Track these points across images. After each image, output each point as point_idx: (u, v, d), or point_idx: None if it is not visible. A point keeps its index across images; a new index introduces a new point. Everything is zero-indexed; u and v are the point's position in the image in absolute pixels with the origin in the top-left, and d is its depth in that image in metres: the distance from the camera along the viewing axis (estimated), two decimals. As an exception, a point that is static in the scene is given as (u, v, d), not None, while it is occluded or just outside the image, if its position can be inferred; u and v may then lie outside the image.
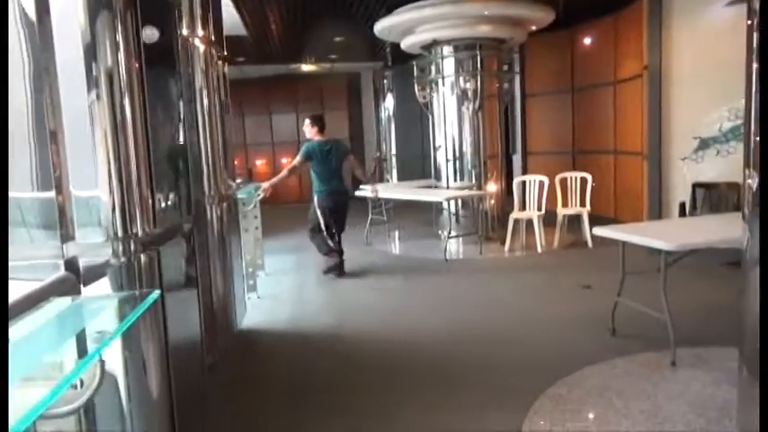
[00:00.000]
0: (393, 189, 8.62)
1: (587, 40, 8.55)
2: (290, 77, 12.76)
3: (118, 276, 1.91)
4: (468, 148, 7.46)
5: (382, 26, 7.32)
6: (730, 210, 5.20)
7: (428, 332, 4.15)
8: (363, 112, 13.76)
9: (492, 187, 7.52)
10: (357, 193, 8.10)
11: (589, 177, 6.91)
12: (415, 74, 7.97)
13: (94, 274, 1.88)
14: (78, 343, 1.21)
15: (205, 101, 3.56)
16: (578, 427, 2.68)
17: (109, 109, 1.87)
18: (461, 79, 7.36)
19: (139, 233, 1.94)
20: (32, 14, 1.75)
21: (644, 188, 6.89)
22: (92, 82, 1.84)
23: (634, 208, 7.26)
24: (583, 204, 6.90)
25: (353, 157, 6.11)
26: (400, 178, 12.42)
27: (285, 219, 8.99)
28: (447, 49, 7.35)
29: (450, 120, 7.50)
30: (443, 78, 7.45)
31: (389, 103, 12.97)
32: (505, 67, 7.76)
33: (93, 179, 1.87)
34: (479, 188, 7.39)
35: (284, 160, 12.00)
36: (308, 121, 5.75)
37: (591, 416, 2.81)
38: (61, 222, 1.82)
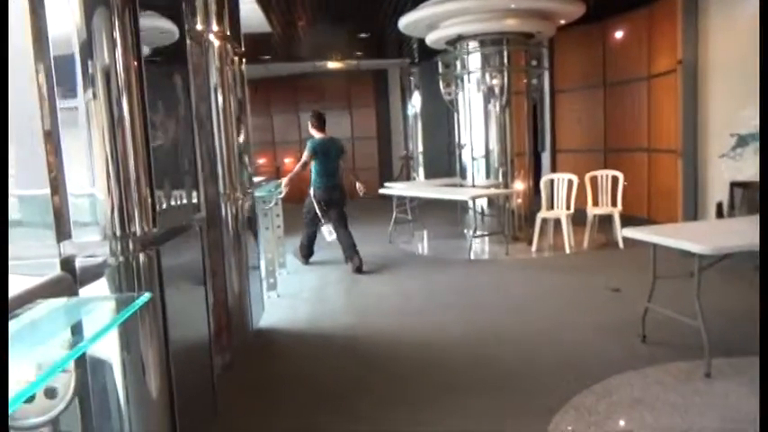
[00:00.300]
0: (418, 187, 8.49)
1: (619, 34, 8.26)
2: (317, 75, 12.74)
3: (115, 276, 1.85)
4: (494, 146, 7.28)
5: (407, 21, 7.19)
6: (771, 210, 4.91)
7: (450, 335, 4.03)
8: (390, 110, 13.64)
9: (519, 186, 7.32)
10: (381, 191, 8.02)
11: (621, 176, 6.66)
12: (440, 70, 7.81)
13: (91, 274, 1.82)
14: (50, 350, 1.14)
15: (220, 98, 3.50)
16: (603, 440, 2.53)
17: (106, 107, 1.81)
18: (487, 75, 7.19)
19: (138, 232, 1.88)
20: (27, 10, 1.70)
21: (679, 187, 6.60)
22: (87, 80, 1.78)
23: (668, 208, 6.98)
24: (614, 204, 6.66)
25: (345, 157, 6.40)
26: (427, 176, 12.27)
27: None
28: (473, 44, 7.18)
29: (475, 117, 7.32)
30: (469, 74, 7.28)
31: (416, 100, 12.83)
32: (534, 63, 7.53)
33: (90, 178, 1.82)
34: (506, 186, 7.21)
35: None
36: (311, 119, 6.05)
37: (618, 429, 2.65)
38: (57, 221, 1.77)
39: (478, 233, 6.97)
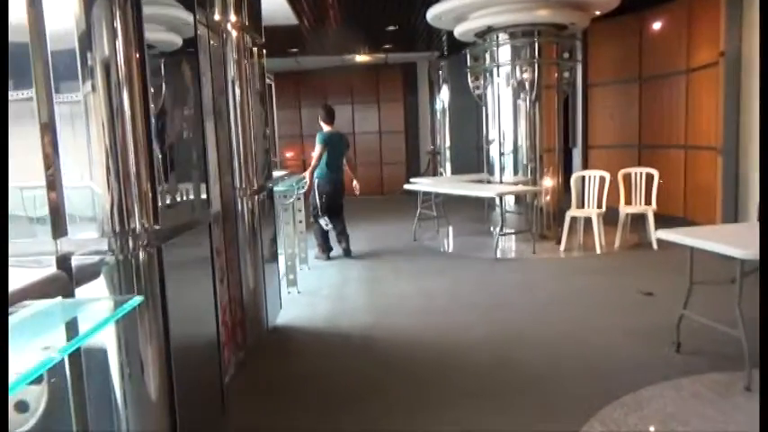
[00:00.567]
0: (444, 183, 8.32)
1: (657, 26, 7.93)
2: (346, 69, 12.64)
3: (114, 276, 1.77)
4: (523, 142, 7.06)
5: (435, 12, 7.01)
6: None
7: (473, 336, 3.88)
8: (419, 104, 13.46)
9: (548, 182, 7.09)
10: (406, 186, 7.88)
11: (656, 173, 6.38)
12: (469, 63, 7.60)
13: (89, 272, 1.74)
14: (25, 357, 1.05)
15: (237, 91, 3.41)
16: (631, 458, 2.37)
17: (105, 100, 1.73)
18: (518, 68, 6.97)
19: (138, 229, 1.79)
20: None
21: (718, 186, 6.30)
22: (86, 72, 1.70)
23: (706, 207, 6.67)
24: (648, 202, 6.38)
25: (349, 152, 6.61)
26: (454, 172, 12.07)
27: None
28: (503, 37, 6.97)
29: (504, 111, 7.12)
30: (498, 67, 7.07)
31: (444, 94, 12.62)
32: (566, 55, 7.25)
33: (88, 172, 1.74)
34: (534, 183, 6.99)
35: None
36: (321, 113, 6.27)
37: (647, 445, 2.48)
38: (53, 217, 1.70)
39: (505, 231, 6.78)
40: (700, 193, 6.99)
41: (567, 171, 7.79)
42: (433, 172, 12.62)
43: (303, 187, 5.53)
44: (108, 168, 1.75)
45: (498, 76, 7.10)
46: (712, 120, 6.52)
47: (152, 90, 1.88)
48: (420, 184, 7.78)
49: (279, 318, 4.30)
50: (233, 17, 3.37)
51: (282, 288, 4.74)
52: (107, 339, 1.76)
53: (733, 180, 6.06)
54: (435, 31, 9.05)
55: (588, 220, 6.38)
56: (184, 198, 2.18)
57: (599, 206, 6.30)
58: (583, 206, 6.44)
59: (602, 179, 6.31)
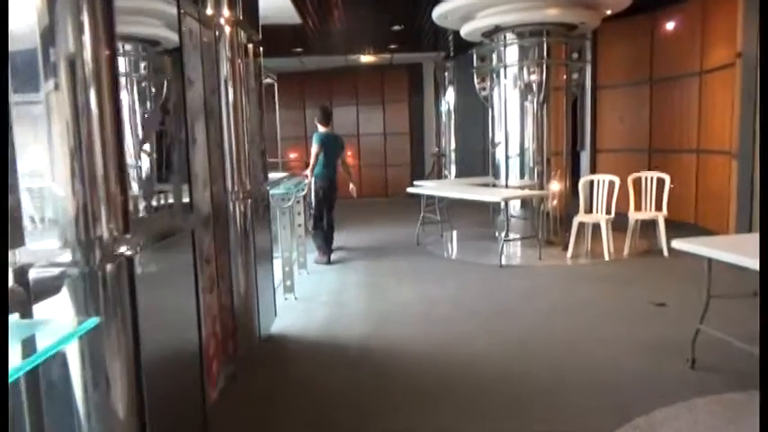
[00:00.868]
0: (448, 186, 8.14)
1: (669, 26, 7.72)
2: (351, 69, 12.50)
3: (78, 289, 1.61)
4: (529, 145, 6.87)
5: (441, 11, 6.84)
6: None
7: (475, 347, 3.71)
8: (424, 106, 13.29)
9: (555, 186, 6.90)
10: (409, 189, 7.71)
11: (667, 178, 6.17)
12: (475, 63, 7.42)
13: (50, 286, 1.58)
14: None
15: (230, 90, 3.25)
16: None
17: (70, 98, 1.57)
18: (525, 69, 6.78)
19: (105, 237, 1.63)
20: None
21: (732, 192, 6.09)
22: (49, 70, 1.54)
23: (719, 213, 6.47)
24: (659, 208, 6.18)
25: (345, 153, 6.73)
26: (459, 175, 11.89)
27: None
28: (510, 36, 6.78)
29: (511, 113, 6.93)
30: (505, 68, 6.88)
31: (450, 96, 12.44)
32: (575, 56, 7.05)
33: (49, 176, 1.58)
34: (541, 187, 6.80)
35: (348, 153, 11.74)
36: (318, 114, 6.33)
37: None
38: (10, 225, 1.53)
39: (510, 237, 6.59)
40: (711, 199, 6.78)
41: (575, 175, 7.59)
42: (438, 174, 12.45)
43: (303, 190, 5.37)
44: (72, 170, 1.59)
45: (505, 76, 6.92)
46: (726, 123, 6.31)
47: (127, 88, 1.72)
48: (423, 188, 7.60)
49: (273, 326, 4.13)
50: (226, 11, 3.21)
51: (279, 295, 4.57)
52: (70, 359, 1.61)
53: (748, 186, 5.85)
54: (441, 31, 8.88)
55: (596, 226, 6.19)
56: (162, 202, 2.02)
57: (608, 211, 6.10)
58: (591, 211, 6.25)
59: (612, 183, 6.11)
